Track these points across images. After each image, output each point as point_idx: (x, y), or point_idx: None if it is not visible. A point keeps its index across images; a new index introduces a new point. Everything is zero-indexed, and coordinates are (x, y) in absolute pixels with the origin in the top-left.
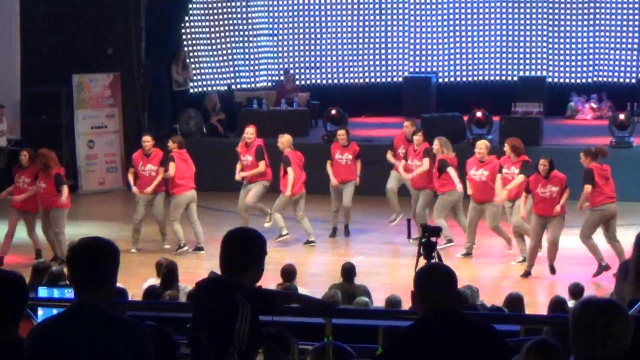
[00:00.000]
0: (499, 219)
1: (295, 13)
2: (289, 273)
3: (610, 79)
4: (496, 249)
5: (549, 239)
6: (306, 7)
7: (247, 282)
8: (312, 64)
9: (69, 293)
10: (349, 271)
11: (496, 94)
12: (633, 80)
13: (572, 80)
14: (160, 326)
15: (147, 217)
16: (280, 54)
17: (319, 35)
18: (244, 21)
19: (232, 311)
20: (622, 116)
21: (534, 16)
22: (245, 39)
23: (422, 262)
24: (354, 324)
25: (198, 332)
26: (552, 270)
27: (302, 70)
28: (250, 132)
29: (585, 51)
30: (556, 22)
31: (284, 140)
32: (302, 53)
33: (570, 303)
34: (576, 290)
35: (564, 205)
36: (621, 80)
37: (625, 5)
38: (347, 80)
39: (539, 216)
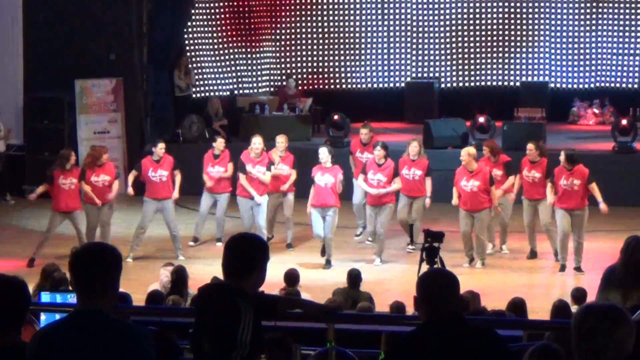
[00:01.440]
0: (486, 227)
1: (298, 18)
2: (292, 278)
3: (612, 84)
4: (500, 253)
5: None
6: (309, 12)
7: (250, 288)
8: (315, 70)
9: (72, 298)
10: (355, 277)
11: (499, 99)
12: (635, 86)
13: (575, 86)
14: (163, 331)
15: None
16: (282, 60)
17: (321, 41)
18: (247, 26)
19: (234, 317)
20: (624, 121)
21: (536, 21)
22: (248, 44)
23: (425, 267)
24: (357, 329)
25: (200, 338)
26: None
27: (305, 76)
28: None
29: (587, 56)
30: (558, 28)
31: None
32: (304, 58)
33: (573, 308)
34: (578, 295)
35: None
36: (624, 85)
37: (628, 11)
38: (349, 86)
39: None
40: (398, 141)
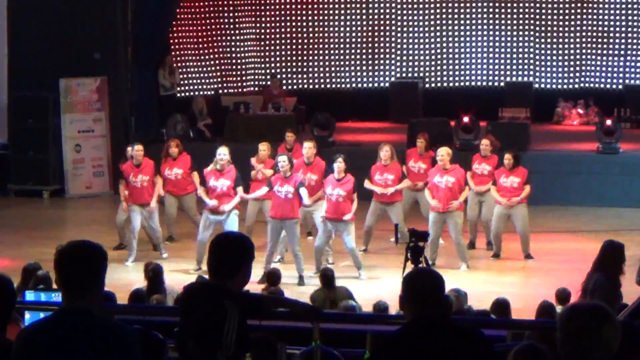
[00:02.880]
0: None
1: (283, 18)
2: (274, 277)
3: (597, 85)
4: (484, 252)
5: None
6: (293, 12)
7: (235, 287)
8: (299, 69)
9: (57, 297)
10: (328, 277)
11: (483, 99)
12: (620, 87)
13: (559, 86)
14: (148, 330)
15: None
16: (267, 59)
17: (306, 40)
18: (231, 26)
19: (220, 316)
20: (608, 122)
21: (520, 21)
22: (233, 43)
23: (410, 267)
24: (342, 328)
25: (186, 337)
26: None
27: (289, 75)
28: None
29: (572, 57)
30: (543, 28)
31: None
32: (289, 58)
33: (558, 308)
34: (563, 296)
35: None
36: (608, 86)
37: (612, 12)
38: (334, 85)
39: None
40: (382, 140)
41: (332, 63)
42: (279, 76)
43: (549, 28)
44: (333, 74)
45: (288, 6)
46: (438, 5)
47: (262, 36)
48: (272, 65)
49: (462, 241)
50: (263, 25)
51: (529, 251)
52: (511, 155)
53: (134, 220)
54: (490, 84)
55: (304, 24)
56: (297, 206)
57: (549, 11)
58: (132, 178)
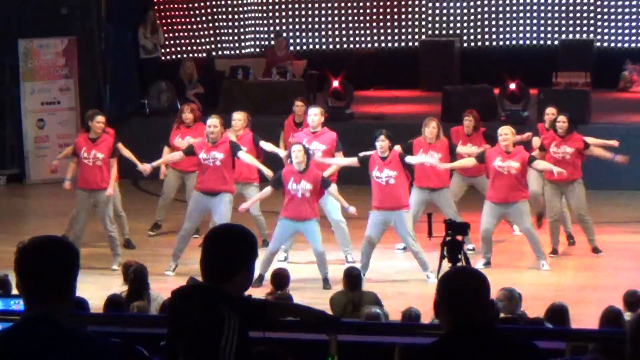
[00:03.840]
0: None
1: None
2: (281, 279)
3: None
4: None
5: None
6: None
7: (235, 291)
8: (310, 26)
9: (17, 304)
10: (354, 278)
11: (534, 61)
12: None
13: (626, 45)
14: (129, 344)
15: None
16: (271, 14)
17: None
18: None
19: (216, 326)
20: None
21: None
22: None
23: (447, 266)
24: (364, 341)
25: (174, 351)
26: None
27: (298, 34)
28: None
29: None
30: None
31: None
32: (297, 12)
33: (627, 315)
34: (632, 301)
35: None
36: None
37: None
38: (351, 46)
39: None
40: (411, 113)
41: (349, 18)
42: (284, 35)
43: None
44: (350, 32)
45: None
46: None
47: None
48: (277, 21)
49: (534, 230)
50: None
51: (596, 243)
52: (566, 117)
53: (78, 213)
54: (541, 42)
55: None
56: (316, 203)
57: None
58: (84, 154)
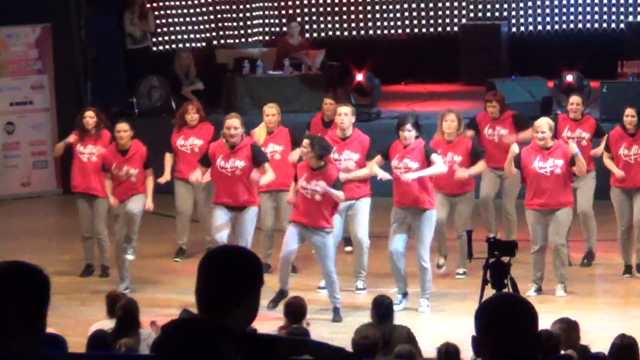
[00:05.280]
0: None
1: None
2: (296, 310)
3: None
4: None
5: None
6: None
7: (238, 325)
8: (328, 9)
9: None
10: (384, 308)
11: (595, 49)
12: None
13: None
14: None
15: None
16: None
17: None
18: None
19: None
20: None
21: None
22: None
23: (489, 292)
24: None
25: None
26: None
27: (314, 19)
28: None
29: None
30: None
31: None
32: None
33: None
34: None
35: None
36: None
37: None
38: (378, 32)
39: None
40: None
41: (376, 0)
42: (299, 19)
43: None
44: (377, 16)
45: None
46: None
47: None
48: (289, 4)
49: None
50: None
51: None
52: (635, 111)
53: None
54: (604, 26)
55: None
56: (330, 211)
57: None
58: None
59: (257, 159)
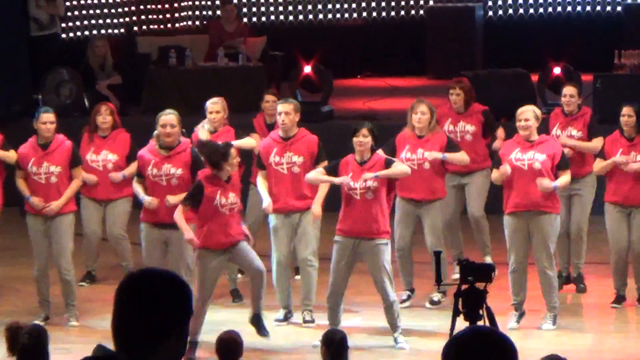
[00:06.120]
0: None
1: None
2: (229, 348)
3: None
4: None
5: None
6: None
7: None
8: None
9: None
10: (337, 344)
11: (587, 36)
12: None
13: None
14: None
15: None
16: None
17: None
18: None
19: None
20: None
21: None
22: None
23: (462, 324)
24: None
25: None
26: None
27: (253, 1)
28: None
29: None
30: None
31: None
32: None
33: None
34: None
35: None
36: None
37: None
38: (329, 16)
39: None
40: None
41: None
42: (235, 1)
43: None
44: None
45: None
46: None
47: None
48: None
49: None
50: None
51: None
52: (633, 109)
53: (37, 247)
54: (598, 9)
55: None
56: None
57: None
58: (33, 168)
59: (197, 168)
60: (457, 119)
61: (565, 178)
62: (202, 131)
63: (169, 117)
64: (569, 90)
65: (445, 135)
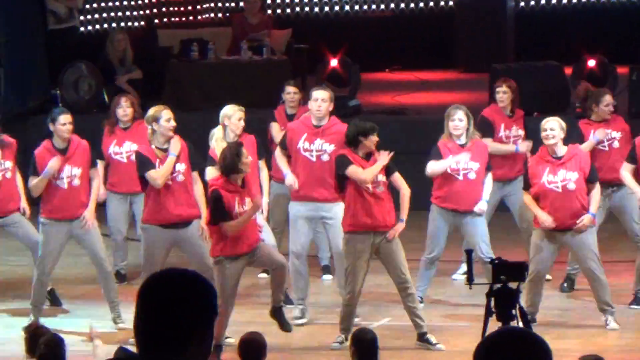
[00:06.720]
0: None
1: None
2: (252, 349)
3: None
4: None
5: None
6: None
7: None
8: None
9: None
10: (368, 344)
11: (623, 26)
12: None
13: None
14: None
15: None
16: None
17: None
18: None
19: None
20: None
21: None
22: None
23: (494, 325)
24: None
25: None
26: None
27: None
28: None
29: None
30: None
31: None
32: None
33: None
34: None
35: None
36: None
37: None
38: (356, 8)
39: None
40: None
41: None
42: None
43: None
44: None
45: None
46: None
47: None
48: None
49: (604, 276)
50: None
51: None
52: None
53: (48, 251)
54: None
55: None
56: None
57: None
58: (54, 174)
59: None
60: (510, 122)
61: (596, 196)
62: (219, 143)
63: (167, 112)
64: (609, 99)
65: (485, 145)
